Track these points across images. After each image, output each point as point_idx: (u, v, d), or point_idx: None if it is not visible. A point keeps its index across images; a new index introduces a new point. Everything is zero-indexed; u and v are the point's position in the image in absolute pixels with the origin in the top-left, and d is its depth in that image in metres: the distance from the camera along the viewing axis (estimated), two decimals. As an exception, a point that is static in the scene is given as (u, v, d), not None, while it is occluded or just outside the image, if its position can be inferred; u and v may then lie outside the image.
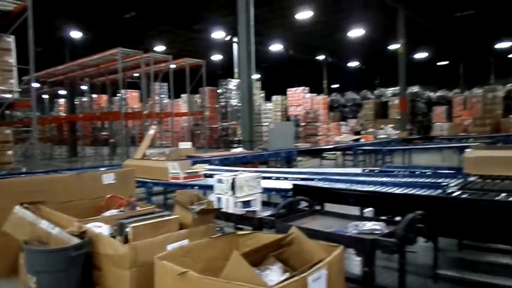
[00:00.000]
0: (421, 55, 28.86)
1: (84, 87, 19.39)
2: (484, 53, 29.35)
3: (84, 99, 19.75)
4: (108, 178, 3.74)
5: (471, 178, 3.89)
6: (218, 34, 22.26)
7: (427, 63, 31.59)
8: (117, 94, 18.91)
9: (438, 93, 26.90)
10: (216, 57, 28.50)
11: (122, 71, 13.88)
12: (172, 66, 15.79)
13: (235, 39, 20.19)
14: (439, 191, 3.32)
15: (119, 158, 13.83)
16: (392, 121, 20.94)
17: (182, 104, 22.13)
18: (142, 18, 19.64)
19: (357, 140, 15.39)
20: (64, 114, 22.53)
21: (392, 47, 22.84)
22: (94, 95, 19.94)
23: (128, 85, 17.83)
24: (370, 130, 19.16)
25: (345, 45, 26.30)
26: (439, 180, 3.89)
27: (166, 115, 17.69)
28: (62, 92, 22.40)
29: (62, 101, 24.98)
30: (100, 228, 2.58)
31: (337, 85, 37.09)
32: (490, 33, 24.57)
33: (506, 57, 32.16)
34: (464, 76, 28.79)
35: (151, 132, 8.77)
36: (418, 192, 3.34)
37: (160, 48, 23.97)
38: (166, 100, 20.19)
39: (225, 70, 26.34)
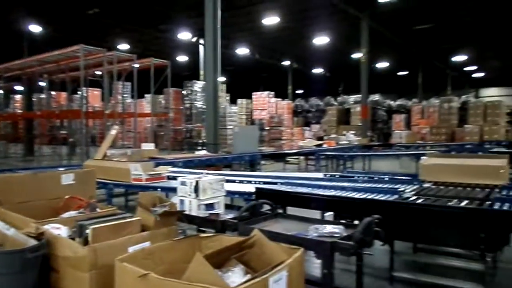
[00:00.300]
0: (382, 64, 29.84)
1: (42, 84, 18.68)
2: (441, 65, 30.68)
3: (43, 96, 19.03)
4: (67, 178, 3.63)
5: (426, 185, 4.08)
6: (185, 35, 22.11)
7: (388, 73, 32.69)
8: (78, 92, 18.36)
9: (398, 102, 27.85)
10: (182, 58, 28.27)
11: (84, 68, 13.51)
12: (136, 65, 15.51)
13: (201, 41, 20.15)
14: (396, 196, 3.45)
15: (79, 158, 13.44)
16: (354, 128, 21.48)
17: (146, 104, 21.78)
18: (106, 15, 19.20)
19: (320, 145, 15.69)
20: (20, 111, 21.61)
21: (356, 56, 23.46)
22: (53, 92, 19.25)
23: (90, 83, 17.34)
24: (333, 136, 19.57)
25: (310, 52, 26.78)
26: (396, 186, 4.04)
27: (129, 115, 17.33)
28: (19, 88, 21.49)
29: (18, 97, 23.97)
30: (58, 230, 2.51)
31: (302, 91, 37.68)
32: (448, 46, 25.75)
33: (462, 70, 33.79)
34: (423, 86, 29.97)
35: (113, 132, 8.59)
36: (376, 197, 3.46)
37: (124, 46, 23.51)
38: (129, 100, 19.80)
39: (190, 72, 26.18)
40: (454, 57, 28.75)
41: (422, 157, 4.26)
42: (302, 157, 13.71)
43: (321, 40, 23.17)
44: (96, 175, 4.22)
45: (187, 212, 3.11)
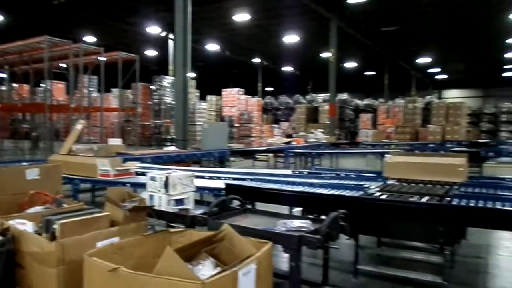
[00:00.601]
0: (351, 64, 30.43)
1: (3, 75, 17.93)
2: (407, 66, 31.59)
3: (3, 88, 18.28)
4: (32, 173, 3.54)
5: (390, 181, 4.23)
6: (154, 29, 21.77)
7: (356, 72, 33.39)
8: (41, 85, 17.74)
9: (365, 101, 28.50)
10: (151, 53, 27.83)
11: (48, 60, 13.08)
12: (104, 59, 15.15)
13: (171, 36, 19.88)
14: (361, 192, 3.57)
15: (42, 153, 13.02)
16: (322, 126, 21.82)
17: (113, 99, 21.32)
18: (72, 6, 18.63)
19: (289, 142, 15.86)
20: (-21, 103, 20.67)
21: (325, 55, 23.81)
22: (15, 85, 18.52)
23: (54, 76, 16.79)
24: (302, 133, 19.81)
25: (280, 50, 26.97)
26: (362, 183, 4.17)
27: (95, 110, 16.91)
28: (-23, 79, 20.56)
29: (-23, 89, 22.91)
30: (24, 225, 2.45)
31: (272, 89, 37.90)
32: (412, 48, 26.56)
33: (426, 71, 34.93)
34: (389, 86, 30.77)
35: (79, 126, 8.38)
36: (342, 193, 3.57)
37: (91, 39, 22.91)
38: (95, 94, 19.31)
39: (159, 67, 25.80)
40: (418, 59, 29.69)
41: (386, 155, 4.40)
42: (271, 154, 13.82)
43: (291, 38, 23.38)
44: (62, 170, 4.14)
45: (156, 208, 3.11)
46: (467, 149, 11.09)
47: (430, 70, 34.83)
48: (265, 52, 29.29)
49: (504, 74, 36.47)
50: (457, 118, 22.10)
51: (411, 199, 3.32)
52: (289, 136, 20.41)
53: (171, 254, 1.78)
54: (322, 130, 19.56)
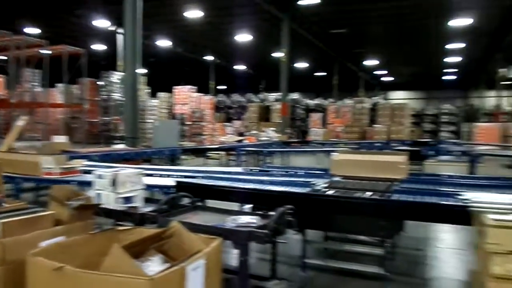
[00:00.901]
0: (302, 64, 31.02)
1: None
2: (355, 68, 32.68)
3: None
4: (-31, 171, 3.36)
5: (336, 178, 4.40)
6: (102, 23, 21.03)
7: (307, 73, 34.09)
8: (-22, 78, 16.67)
9: (315, 101, 29.18)
10: (99, 47, 26.87)
11: (-14, 52, 12.35)
12: (48, 52, 14.49)
13: (120, 30, 19.30)
14: (309, 189, 3.70)
15: (-21, 151, 12.23)
16: (274, 125, 22.10)
17: (58, 94, 20.40)
18: (13, -4, 17.62)
19: (241, 141, 15.95)
20: None
21: (277, 55, 24.11)
22: None
23: (-7, 69, 15.85)
24: (254, 132, 19.95)
25: (233, 48, 27.00)
26: (310, 180, 4.30)
27: (38, 106, 16.14)
28: None
29: None
30: (-40, 226, 2.34)
31: (225, 87, 37.85)
32: (359, 51, 27.52)
33: (373, 73, 36.33)
34: (338, 87, 31.67)
35: (20, 123, 7.99)
36: (291, 190, 3.68)
37: (34, 31, 21.75)
38: (39, 89, 18.40)
39: (108, 62, 24.95)
40: (366, 61, 30.81)
41: (332, 153, 4.57)
42: (223, 153, 13.84)
43: (244, 37, 23.47)
44: (3, 168, 3.95)
45: (104, 206, 3.05)
46: (409, 148, 11.72)
47: (377, 72, 36.27)
48: (218, 50, 29.20)
49: (444, 78, 38.72)
50: (401, 119, 23.21)
51: (355, 195, 3.48)
52: (241, 134, 20.49)
53: (118, 251, 1.77)
54: (274, 128, 19.82)
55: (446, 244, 5.08)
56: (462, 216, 2.69)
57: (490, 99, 36.01)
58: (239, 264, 2.53)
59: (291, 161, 13.39)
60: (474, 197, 2.02)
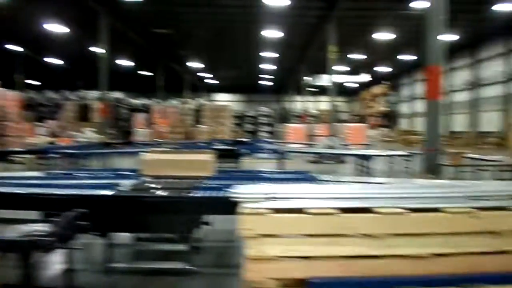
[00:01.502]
0: (125, 62, 29.82)
1: None
2: (180, 69, 33.05)
3: None
4: None
5: (146, 178, 4.39)
6: None
7: (131, 71, 32.98)
8: None
9: (140, 101, 28.50)
10: None
11: None
12: None
13: None
14: (110, 191, 3.58)
15: None
16: (94, 125, 20.72)
17: None
18: None
19: (53, 142, 14.51)
20: None
21: (96, 50, 22.66)
22: None
23: None
24: (71, 132, 18.37)
25: (47, 40, 24.25)
26: (117, 181, 4.18)
27: None
28: None
29: None
30: None
31: (38, 83, 33.86)
32: (183, 52, 27.97)
33: (198, 76, 37.41)
34: (164, 87, 31.56)
35: None
36: (91, 192, 3.51)
37: None
38: None
39: None
40: (190, 63, 31.47)
41: (141, 153, 4.55)
42: (31, 156, 12.32)
43: (58, 28, 21.30)
44: None
45: None
46: (227, 147, 12.51)
47: (201, 75, 37.45)
48: (28, 41, 25.81)
49: (262, 83, 42.49)
50: (224, 120, 24.55)
51: (157, 194, 3.53)
52: (55, 135, 18.61)
53: None
54: (93, 129, 18.59)
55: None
56: (231, 207, 2.97)
57: (298, 103, 41.12)
58: (22, 276, 2.31)
59: (114, 163, 12.77)
60: (246, 189, 2.27)
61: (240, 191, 2.23)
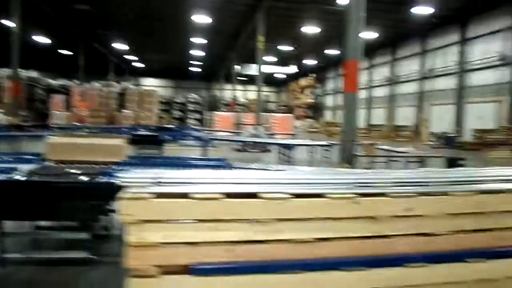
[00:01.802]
0: (42, 39, 27.63)
1: None
2: (103, 50, 31.31)
3: None
4: None
5: (48, 163, 4.12)
6: None
7: (48, 49, 30.65)
8: None
9: (59, 81, 26.65)
10: None
11: None
12: None
13: None
14: (4, 175, 3.33)
15: None
16: (3, 106, 19.05)
17: None
18: None
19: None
20: None
21: (7, 24, 20.70)
22: None
23: None
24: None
25: None
26: (16, 165, 3.88)
27: None
28: None
29: None
30: None
31: None
32: (106, 32, 26.47)
33: (123, 58, 35.78)
34: (86, 68, 29.77)
35: None
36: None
37: None
38: None
39: None
40: (115, 44, 29.87)
41: (47, 136, 4.26)
42: None
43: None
44: None
45: None
46: (151, 133, 12.17)
47: (127, 57, 35.82)
48: None
49: (191, 69, 41.73)
50: (150, 105, 23.78)
51: (58, 180, 3.33)
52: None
53: None
54: (3, 110, 17.09)
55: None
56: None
57: (227, 91, 41.08)
58: None
59: (26, 147, 11.82)
60: (134, 174, 2.20)
61: (127, 175, 2.16)
